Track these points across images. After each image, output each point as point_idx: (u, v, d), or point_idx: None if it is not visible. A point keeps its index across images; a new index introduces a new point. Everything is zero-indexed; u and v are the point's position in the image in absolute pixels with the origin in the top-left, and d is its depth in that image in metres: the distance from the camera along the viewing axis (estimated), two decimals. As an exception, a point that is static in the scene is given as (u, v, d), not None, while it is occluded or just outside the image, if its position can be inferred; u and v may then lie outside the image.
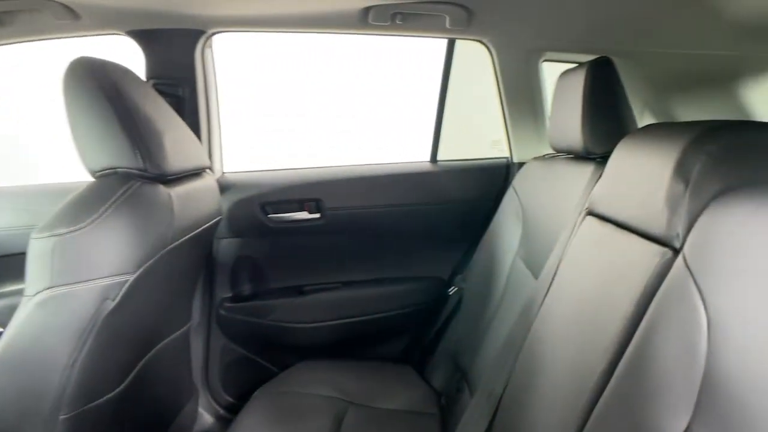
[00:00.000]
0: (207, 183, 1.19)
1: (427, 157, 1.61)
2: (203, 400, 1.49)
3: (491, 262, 1.27)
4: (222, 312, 1.48)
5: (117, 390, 0.98)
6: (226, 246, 1.48)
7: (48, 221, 0.84)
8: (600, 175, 0.86)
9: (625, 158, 0.77)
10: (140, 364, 1.05)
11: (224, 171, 1.49)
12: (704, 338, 0.46)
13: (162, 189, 0.95)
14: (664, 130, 0.70)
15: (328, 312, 1.52)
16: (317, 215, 1.49)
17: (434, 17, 1.26)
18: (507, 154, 1.58)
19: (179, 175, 1.04)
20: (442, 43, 1.52)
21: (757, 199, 0.48)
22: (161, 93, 1.15)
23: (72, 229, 0.82)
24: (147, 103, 0.98)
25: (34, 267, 0.83)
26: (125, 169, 0.92)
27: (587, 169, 0.98)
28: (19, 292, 0.86)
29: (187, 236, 1.05)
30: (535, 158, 1.33)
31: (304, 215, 1.49)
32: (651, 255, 0.60)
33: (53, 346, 0.84)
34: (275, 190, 1.47)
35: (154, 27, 1.28)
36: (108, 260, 0.85)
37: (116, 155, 0.91)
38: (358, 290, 1.55)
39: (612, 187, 0.78)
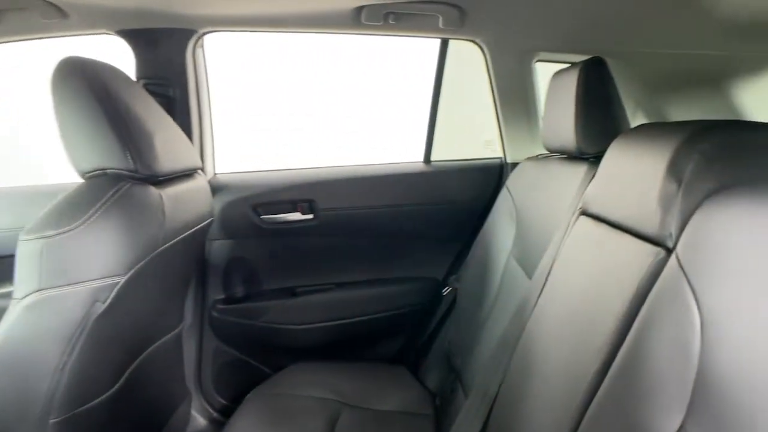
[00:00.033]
0: (199, 184, 1.18)
1: (421, 157, 1.61)
2: (196, 402, 1.48)
3: (485, 262, 1.27)
4: (214, 314, 1.46)
5: (108, 393, 0.97)
6: (218, 247, 1.47)
7: (36, 222, 0.83)
8: (593, 175, 0.86)
9: (618, 158, 0.77)
10: (132, 366, 1.04)
11: (216, 172, 1.48)
12: (697, 338, 0.46)
13: (153, 190, 0.94)
14: (656, 129, 0.70)
15: (322, 313, 1.51)
16: (310, 216, 1.49)
17: (427, 17, 1.26)
18: (500, 154, 1.58)
19: (170, 176, 1.03)
20: (435, 44, 1.52)
21: (749, 198, 0.48)
22: (152, 93, 1.14)
23: (61, 230, 0.81)
24: (137, 103, 0.97)
25: (22, 269, 0.82)
26: (115, 170, 0.90)
27: (580, 169, 0.98)
28: (9, 295, 0.85)
29: (179, 238, 1.04)
30: (529, 158, 1.34)
31: (297, 216, 1.48)
32: (644, 254, 0.60)
33: (43, 350, 0.83)
34: (268, 191, 1.46)
35: (144, 26, 1.27)
36: (98, 262, 0.84)
37: (106, 156, 0.90)
38: (351, 291, 1.54)
39: (605, 187, 0.79)
